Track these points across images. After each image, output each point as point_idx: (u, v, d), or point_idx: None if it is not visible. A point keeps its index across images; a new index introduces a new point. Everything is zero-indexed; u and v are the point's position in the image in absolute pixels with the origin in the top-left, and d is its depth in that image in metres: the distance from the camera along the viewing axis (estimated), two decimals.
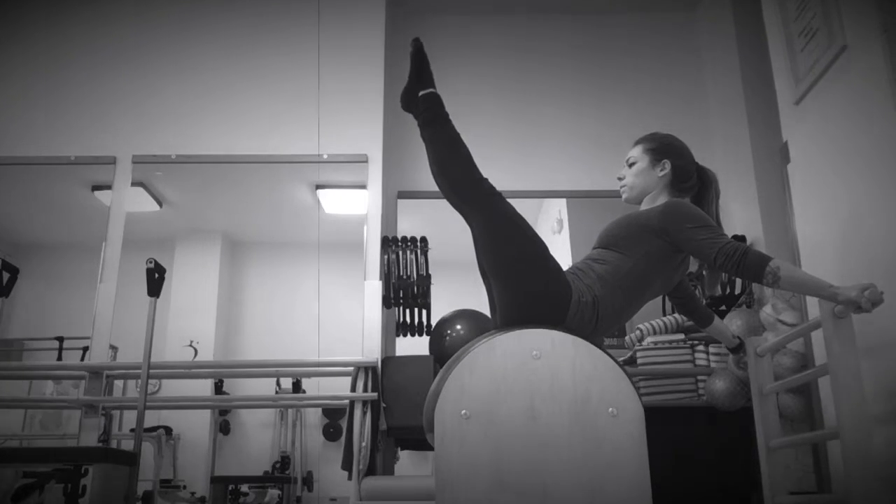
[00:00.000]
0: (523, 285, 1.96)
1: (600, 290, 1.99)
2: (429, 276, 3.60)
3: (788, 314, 3.04)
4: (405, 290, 3.59)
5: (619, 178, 2.28)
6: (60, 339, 3.75)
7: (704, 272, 3.40)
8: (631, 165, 2.26)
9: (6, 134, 3.90)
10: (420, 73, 2.11)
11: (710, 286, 3.48)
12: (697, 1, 4.36)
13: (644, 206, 2.23)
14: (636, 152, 2.26)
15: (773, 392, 2.44)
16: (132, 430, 3.00)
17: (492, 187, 2.03)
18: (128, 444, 3.39)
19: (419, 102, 2.10)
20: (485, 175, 2.05)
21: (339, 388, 3.43)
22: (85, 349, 3.57)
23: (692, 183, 2.23)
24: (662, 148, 2.23)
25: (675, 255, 2.08)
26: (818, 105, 2.47)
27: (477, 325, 3.35)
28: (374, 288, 3.61)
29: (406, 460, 3.95)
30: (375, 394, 3.22)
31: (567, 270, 2.06)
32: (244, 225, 4.40)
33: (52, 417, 3.76)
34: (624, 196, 2.28)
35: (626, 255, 2.05)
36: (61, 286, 3.98)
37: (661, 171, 2.20)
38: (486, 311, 2.21)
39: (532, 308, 1.94)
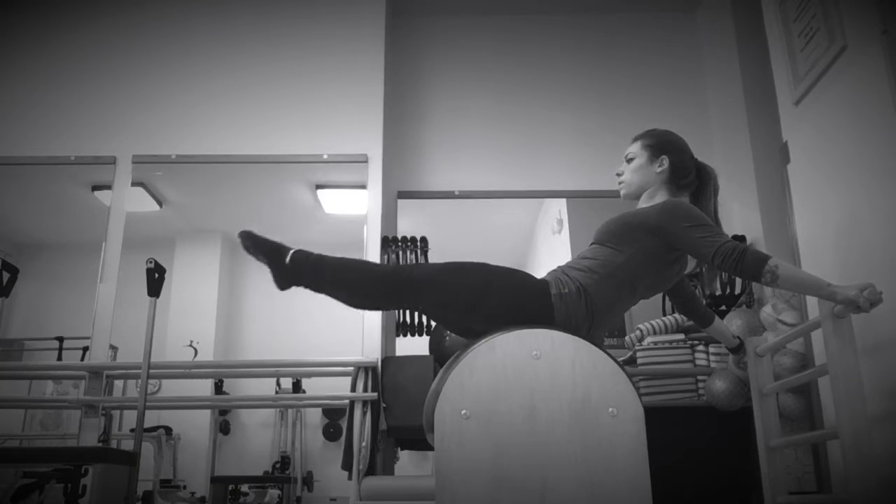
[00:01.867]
0: (497, 305, 1.95)
1: (587, 279, 1.99)
2: None
3: (788, 314, 3.04)
4: None
5: (618, 174, 2.28)
6: (60, 339, 3.75)
7: (703, 270, 3.40)
8: (629, 161, 2.26)
9: (6, 134, 3.90)
10: (269, 253, 2.04)
11: (709, 284, 3.49)
12: (697, 1, 4.37)
13: (642, 203, 2.23)
14: (635, 148, 2.26)
15: (773, 392, 2.44)
16: (132, 430, 3.00)
17: (408, 266, 2.05)
18: (128, 444, 3.39)
19: (292, 274, 2.03)
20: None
21: (339, 388, 3.43)
22: (85, 349, 3.57)
23: (690, 179, 2.23)
24: (661, 144, 2.23)
25: (668, 254, 2.07)
26: (818, 105, 2.47)
27: None
28: None
29: (406, 460, 3.95)
30: (375, 394, 3.22)
31: (554, 269, 2.07)
32: (244, 225, 4.39)
33: (52, 417, 3.76)
34: (622, 192, 2.28)
35: (619, 249, 2.04)
36: (61, 286, 3.98)
37: (660, 167, 2.20)
38: None
39: (518, 319, 1.93)
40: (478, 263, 2.01)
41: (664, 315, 3.48)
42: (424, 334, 3.64)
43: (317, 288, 2.04)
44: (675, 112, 4.19)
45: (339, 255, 2.08)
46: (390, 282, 2.01)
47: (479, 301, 1.96)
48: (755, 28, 3.27)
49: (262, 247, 2.04)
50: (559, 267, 2.09)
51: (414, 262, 3.60)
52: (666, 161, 2.20)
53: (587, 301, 1.96)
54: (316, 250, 2.05)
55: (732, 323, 3.18)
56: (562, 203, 4.15)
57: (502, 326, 1.92)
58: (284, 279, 2.04)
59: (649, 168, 2.21)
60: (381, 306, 2.01)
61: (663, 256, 2.07)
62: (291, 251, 2.03)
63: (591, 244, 2.15)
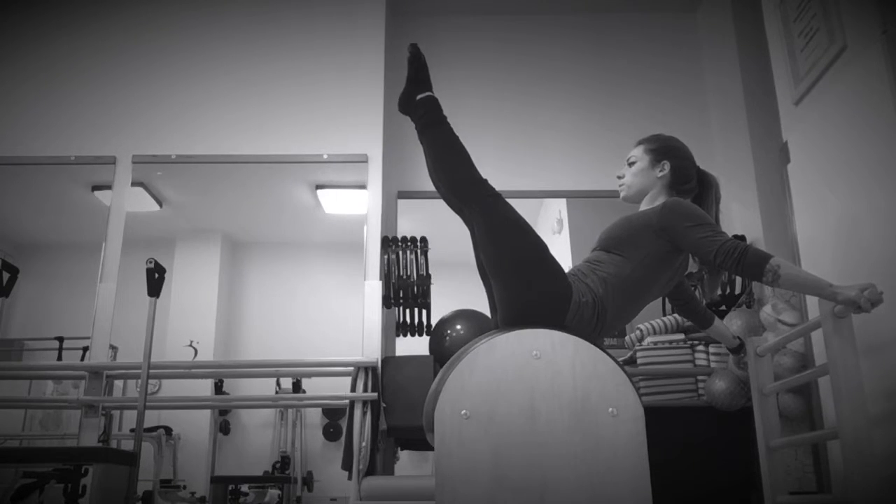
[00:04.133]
0: (524, 286, 1.96)
1: (602, 291, 1.99)
2: (429, 276, 3.60)
3: (788, 314, 3.04)
4: (405, 290, 3.59)
5: (619, 177, 2.28)
6: (60, 339, 3.75)
7: (705, 274, 3.40)
8: (631, 165, 2.26)
9: (6, 134, 3.90)
10: (418, 76, 2.12)
11: (711, 289, 3.48)
12: (698, 1, 4.37)
13: (643, 207, 2.23)
14: (637, 152, 2.26)
15: (773, 392, 2.44)
16: (132, 430, 3.00)
17: (492, 189, 2.04)
18: (128, 444, 3.39)
19: (417, 106, 2.10)
20: (485, 175, 2.05)
21: (339, 388, 3.43)
22: (85, 349, 3.57)
23: (691, 185, 2.23)
24: (663, 149, 2.23)
25: (676, 256, 2.08)
26: (818, 105, 2.47)
27: (477, 325, 3.36)
28: (374, 288, 3.61)
29: (406, 460, 3.95)
30: (375, 394, 3.22)
31: (568, 272, 2.05)
32: (244, 225, 4.40)
33: (52, 417, 3.76)
34: (622, 195, 2.28)
35: (628, 258, 2.04)
36: (61, 286, 3.98)
37: (661, 171, 2.21)
38: (486, 311, 2.21)
39: (532, 308, 1.94)
40: (541, 240, 2.01)
41: (664, 315, 3.48)
42: (424, 334, 3.65)
43: (419, 134, 2.10)
44: (676, 112, 4.19)
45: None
46: (471, 188, 2.03)
47: (511, 265, 1.98)
48: (755, 28, 3.27)
49: (415, 68, 2.11)
50: (576, 273, 2.06)
51: (415, 262, 3.60)
52: (667, 166, 2.20)
53: (599, 311, 1.97)
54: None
55: (732, 323, 3.18)
56: (562, 203, 4.15)
57: (512, 299, 1.95)
58: (403, 105, 2.14)
59: (650, 172, 2.22)
60: (445, 196, 2.08)
61: (672, 260, 2.07)
62: (427, 94, 2.10)
63: (596, 249, 2.14)
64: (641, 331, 3.41)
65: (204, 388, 3.89)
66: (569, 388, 1.81)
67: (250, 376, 3.89)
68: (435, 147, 2.08)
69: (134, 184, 3.86)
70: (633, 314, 2.12)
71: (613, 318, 2.02)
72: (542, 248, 2.00)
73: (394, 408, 3.24)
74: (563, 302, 1.94)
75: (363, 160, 3.84)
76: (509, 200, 2.06)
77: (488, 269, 2.05)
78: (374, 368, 3.28)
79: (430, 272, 3.61)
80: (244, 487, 3.94)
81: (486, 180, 2.04)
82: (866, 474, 1.85)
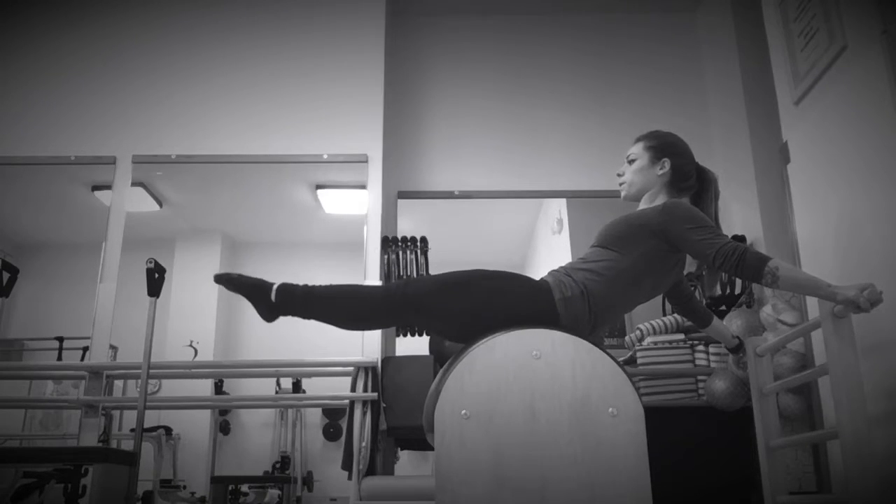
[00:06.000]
0: (502, 317, 1.93)
1: (592, 283, 1.98)
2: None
3: (788, 314, 3.04)
4: None
5: (619, 175, 2.28)
6: (60, 339, 3.75)
7: (704, 272, 3.40)
8: (631, 162, 2.25)
9: (6, 134, 3.90)
10: (251, 292, 2.02)
11: (710, 287, 3.49)
12: (697, 1, 4.37)
13: (643, 205, 2.23)
14: (637, 149, 2.25)
15: (773, 392, 2.44)
16: (132, 430, 3.00)
17: (400, 284, 2.02)
18: (128, 444, 3.39)
19: (279, 309, 2.02)
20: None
21: (339, 388, 3.43)
22: (85, 349, 3.57)
23: (691, 183, 2.23)
24: (663, 146, 2.22)
25: (672, 256, 2.08)
26: (818, 105, 2.47)
27: None
28: None
29: (406, 460, 3.95)
30: (375, 394, 3.22)
31: (556, 269, 2.07)
32: (244, 225, 4.40)
33: (52, 417, 3.76)
34: (623, 193, 2.28)
35: (623, 254, 2.04)
36: (61, 286, 3.98)
37: (661, 169, 2.20)
38: None
39: (522, 324, 1.92)
40: (476, 274, 1.99)
41: (664, 315, 3.48)
42: (424, 334, 3.64)
43: (306, 317, 2.02)
44: (675, 112, 4.19)
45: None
46: (385, 304, 1.98)
47: (482, 313, 1.95)
48: (755, 28, 3.27)
49: (243, 288, 2.02)
50: (561, 268, 2.08)
51: (415, 262, 3.60)
52: (667, 164, 2.20)
53: (590, 302, 1.96)
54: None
55: (732, 323, 3.18)
56: (562, 203, 4.15)
57: (503, 324, 1.91)
58: (271, 313, 2.03)
59: (650, 170, 2.21)
60: (378, 327, 2.02)
61: (668, 259, 2.07)
62: (275, 287, 2.01)
63: (593, 246, 2.14)
64: (641, 331, 3.41)
65: (204, 388, 3.89)
66: (569, 388, 1.81)
67: (250, 376, 3.89)
68: (333, 317, 2.02)
69: (134, 184, 3.86)
70: (625, 308, 2.11)
71: (605, 311, 2.01)
72: (488, 281, 1.98)
73: (394, 408, 3.24)
74: (545, 303, 1.93)
75: (363, 160, 3.85)
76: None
77: (466, 331, 2.01)
78: (374, 368, 3.28)
79: (430, 272, 3.60)
80: (244, 487, 3.94)
81: (388, 290, 2.01)
82: (866, 474, 1.85)
